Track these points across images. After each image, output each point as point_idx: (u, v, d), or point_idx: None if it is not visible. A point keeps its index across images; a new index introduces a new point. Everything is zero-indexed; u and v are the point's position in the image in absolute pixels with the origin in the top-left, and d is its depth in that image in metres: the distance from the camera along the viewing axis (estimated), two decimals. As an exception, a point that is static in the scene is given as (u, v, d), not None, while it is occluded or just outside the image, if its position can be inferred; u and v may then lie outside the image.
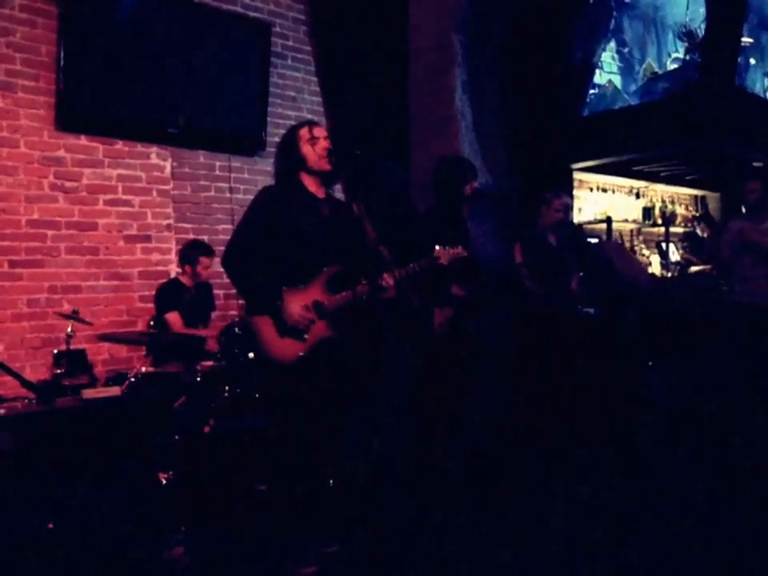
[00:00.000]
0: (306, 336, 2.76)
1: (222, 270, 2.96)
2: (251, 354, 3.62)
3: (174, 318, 4.33)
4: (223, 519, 3.26)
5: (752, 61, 6.50)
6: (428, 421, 3.90)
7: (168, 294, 4.46)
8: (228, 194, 5.39)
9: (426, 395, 3.91)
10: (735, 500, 3.44)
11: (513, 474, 3.88)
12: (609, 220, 6.76)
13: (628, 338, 5.07)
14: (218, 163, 5.38)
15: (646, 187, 7.76)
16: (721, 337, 4.92)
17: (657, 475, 3.86)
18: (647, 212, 7.78)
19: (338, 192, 5.55)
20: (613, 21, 6.52)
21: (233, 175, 5.44)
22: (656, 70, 6.56)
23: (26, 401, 3.60)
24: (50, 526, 3.02)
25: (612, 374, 4.89)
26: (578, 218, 6.85)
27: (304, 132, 2.90)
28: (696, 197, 8.46)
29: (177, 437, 3.46)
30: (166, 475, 3.37)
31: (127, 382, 3.74)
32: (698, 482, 3.67)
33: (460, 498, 3.53)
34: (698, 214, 8.09)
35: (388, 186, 5.07)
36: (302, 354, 2.75)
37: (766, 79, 6.79)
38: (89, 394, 3.78)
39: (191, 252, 4.49)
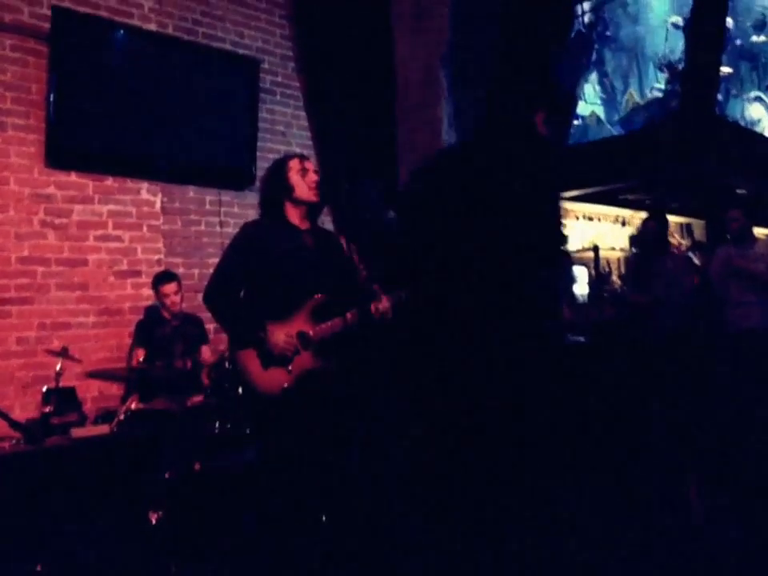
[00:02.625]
0: (290, 367, 2.75)
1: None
2: (241, 389, 3.61)
3: (136, 354, 4.34)
4: (213, 558, 3.22)
5: (731, 90, 6.63)
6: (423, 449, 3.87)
7: (139, 329, 4.49)
8: (218, 228, 5.41)
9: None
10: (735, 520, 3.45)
11: (508, 503, 3.86)
12: (596, 248, 6.82)
13: (619, 366, 5.09)
14: (207, 198, 5.41)
15: (632, 215, 7.85)
16: (714, 363, 4.95)
17: (656, 503, 3.86)
18: (634, 240, 7.85)
19: (327, 225, 5.62)
20: (595, 53, 6.66)
21: (223, 209, 5.46)
22: (638, 100, 6.67)
23: (14, 441, 3.57)
24: (38, 567, 2.98)
25: (604, 401, 4.90)
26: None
27: (294, 163, 2.92)
28: (682, 224, 8.56)
29: (166, 475, 3.43)
30: (155, 514, 3.32)
31: (116, 420, 3.72)
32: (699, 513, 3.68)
33: (455, 525, 3.51)
34: (689, 243, 8.18)
35: (376, 219, 5.10)
36: (286, 385, 2.73)
37: (745, 108, 6.92)
38: (78, 432, 3.76)
39: (153, 285, 4.53)
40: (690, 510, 3.69)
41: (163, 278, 4.51)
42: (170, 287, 4.46)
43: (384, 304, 2.81)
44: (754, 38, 6.80)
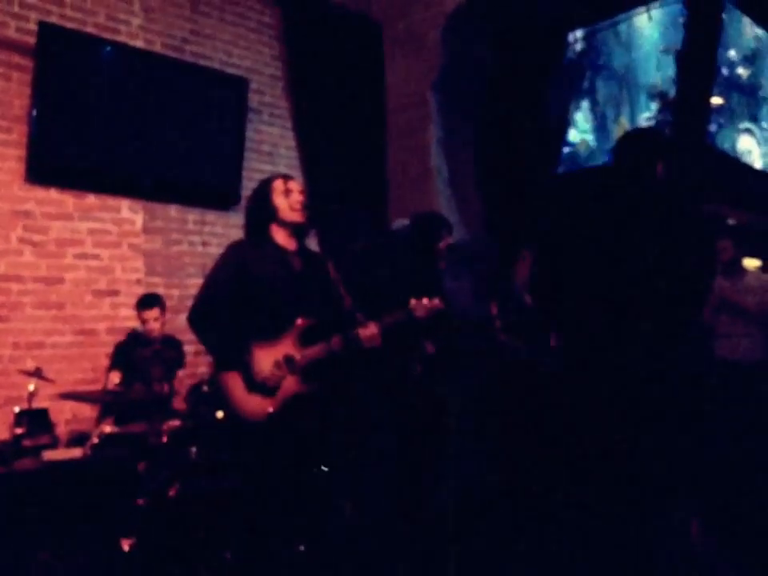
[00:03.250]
0: (276, 392, 2.69)
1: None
2: (219, 413, 3.52)
3: (112, 377, 4.27)
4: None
5: (722, 120, 6.66)
6: (406, 480, 3.80)
7: (118, 351, 4.42)
8: (200, 248, 5.33)
9: (405, 455, 3.82)
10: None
11: (494, 532, 3.78)
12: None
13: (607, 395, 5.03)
14: (190, 217, 5.33)
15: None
16: (704, 395, 4.90)
17: (649, 532, 3.78)
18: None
19: (313, 246, 5.56)
20: (586, 81, 6.68)
21: (206, 229, 5.39)
22: (629, 129, 6.68)
23: (-16, 463, 3.47)
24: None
25: (594, 429, 4.83)
26: (554, 273, 6.87)
27: (278, 183, 2.89)
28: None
29: (140, 501, 3.32)
30: (128, 541, 3.23)
31: (89, 443, 3.62)
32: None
33: (438, 558, 3.42)
34: None
35: (363, 241, 5.05)
36: (271, 410, 2.67)
37: (735, 139, 6.95)
38: (50, 455, 3.69)
39: (135, 307, 4.46)
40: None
41: (145, 302, 4.44)
42: (151, 313, 4.38)
43: (371, 329, 2.75)
44: (744, 70, 6.86)
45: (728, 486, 4.26)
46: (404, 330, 2.98)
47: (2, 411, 4.32)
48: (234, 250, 2.87)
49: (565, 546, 3.42)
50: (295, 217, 2.84)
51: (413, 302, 2.95)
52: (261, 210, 2.88)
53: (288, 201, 2.84)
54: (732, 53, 6.45)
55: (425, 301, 2.94)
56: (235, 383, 2.70)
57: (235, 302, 2.77)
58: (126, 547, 3.21)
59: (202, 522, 3.29)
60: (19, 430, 3.95)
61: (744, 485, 4.25)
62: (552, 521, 3.82)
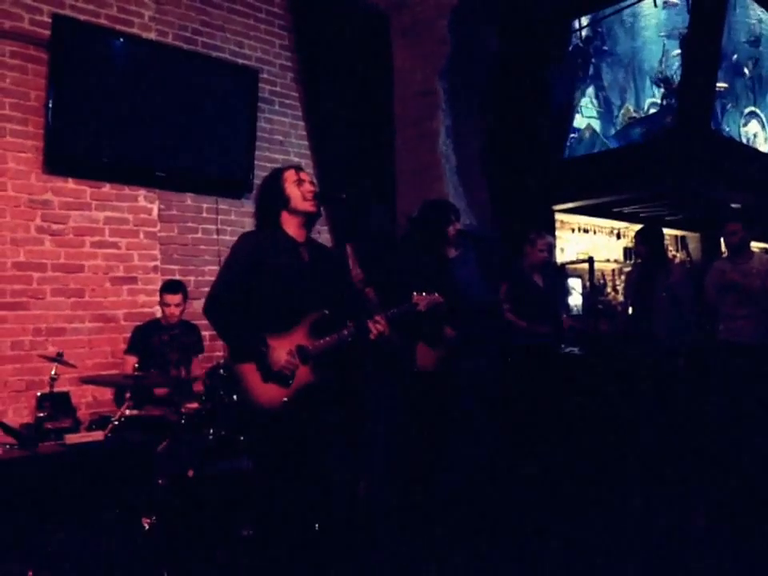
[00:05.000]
0: (290, 381, 2.75)
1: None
2: (236, 396, 3.60)
3: (129, 360, 4.40)
4: (207, 565, 3.21)
5: (727, 105, 6.68)
6: (415, 459, 3.90)
7: (136, 336, 4.54)
8: (215, 236, 5.42)
9: (414, 434, 3.91)
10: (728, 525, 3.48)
11: (500, 510, 3.87)
12: (591, 260, 6.86)
13: (613, 378, 5.12)
14: (204, 205, 5.42)
15: (627, 228, 7.89)
16: (705, 376, 4.97)
17: (646, 511, 3.87)
18: (628, 252, 7.91)
19: (325, 234, 5.65)
20: (591, 67, 6.70)
21: (220, 217, 5.48)
22: (634, 114, 6.70)
23: (8, 446, 3.57)
24: (30, 573, 2.97)
25: (598, 411, 4.93)
26: (560, 257, 6.95)
27: (290, 173, 2.92)
28: (677, 237, 8.60)
29: (160, 481, 3.42)
30: (149, 520, 3.32)
31: (110, 426, 3.71)
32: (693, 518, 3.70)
33: (447, 536, 3.52)
34: (683, 255, 8.24)
35: (373, 228, 5.14)
36: (285, 399, 2.73)
37: (740, 123, 6.97)
38: (72, 438, 3.75)
39: (159, 291, 4.60)
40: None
41: (169, 287, 4.56)
42: (173, 298, 4.50)
43: (381, 323, 2.85)
44: (748, 54, 6.85)
45: (730, 467, 4.35)
46: (408, 320, 3.12)
47: (25, 395, 4.45)
48: (247, 241, 2.89)
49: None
50: (307, 206, 2.86)
51: (415, 295, 3.12)
52: (273, 199, 2.90)
53: (300, 190, 2.87)
54: (736, 37, 6.47)
55: (426, 295, 3.14)
56: (251, 373, 2.74)
57: (250, 293, 2.80)
58: (146, 526, 3.30)
59: (220, 501, 3.39)
60: (42, 414, 4.06)
61: (746, 464, 4.33)
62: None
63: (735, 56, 6.75)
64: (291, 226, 2.90)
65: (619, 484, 4.30)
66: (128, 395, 3.82)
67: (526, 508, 3.90)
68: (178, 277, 5.02)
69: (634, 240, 5.46)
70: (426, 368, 3.92)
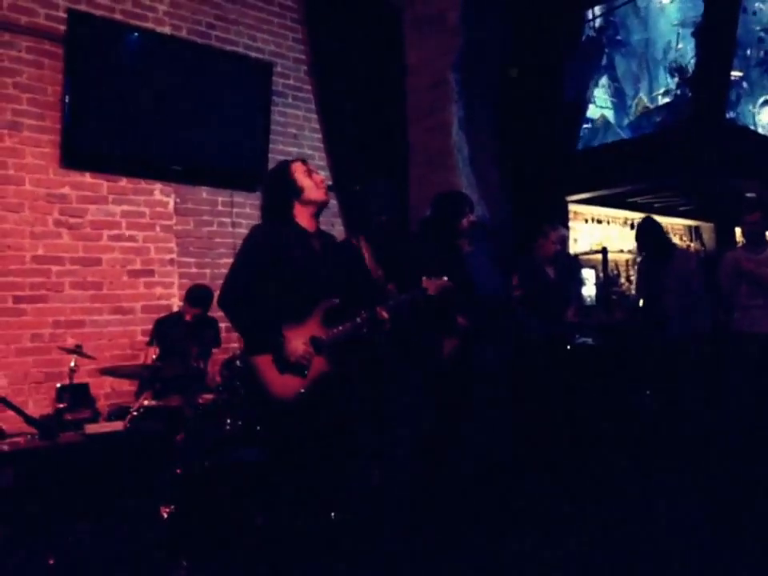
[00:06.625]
0: (306, 372, 2.76)
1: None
2: (252, 388, 3.62)
3: (149, 352, 4.45)
4: (225, 554, 3.25)
5: (742, 94, 6.64)
6: (432, 447, 3.91)
7: (157, 328, 4.61)
8: (230, 229, 5.47)
9: (432, 422, 3.93)
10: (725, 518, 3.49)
11: (514, 497, 3.89)
12: (604, 250, 6.85)
13: (624, 367, 5.13)
14: (220, 198, 5.46)
15: (641, 218, 7.85)
16: (719, 365, 4.97)
17: (654, 498, 3.88)
18: (642, 242, 7.86)
19: (339, 226, 5.67)
20: (605, 57, 6.68)
21: (235, 210, 5.52)
22: (648, 104, 6.69)
23: (29, 436, 3.62)
24: (51, 561, 3.01)
25: (608, 401, 4.94)
26: (573, 248, 6.94)
27: (298, 165, 2.95)
28: (690, 227, 8.57)
29: (178, 471, 3.46)
30: (167, 509, 3.35)
31: (129, 417, 3.76)
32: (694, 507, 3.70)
33: (463, 524, 3.53)
34: (697, 245, 8.18)
35: (387, 220, 5.14)
36: (302, 390, 2.75)
37: (755, 112, 6.93)
38: (92, 429, 3.81)
39: (184, 299, 4.70)
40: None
41: (194, 299, 4.63)
42: (192, 310, 4.61)
43: (382, 315, 2.89)
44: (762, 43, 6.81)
45: (743, 456, 4.35)
46: (418, 306, 3.14)
47: (45, 387, 4.51)
48: (259, 233, 2.90)
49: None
50: (321, 195, 2.90)
51: (425, 280, 3.13)
52: (285, 190, 2.90)
53: (312, 179, 2.90)
54: (751, 25, 6.42)
55: (435, 279, 3.18)
56: (267, 365, 2.74)
57: (263, 285, 2.80)
58: (165, 515, 3.33)
59: (238, 491, 3.43)
60: (61, 405, 4.13)
61: (762, 454, 4.32)
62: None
63: (750, 45, 6.71)
64: (303, 216, 2.91)
65: (631, 473, 4.31)
66: (147, 388, 3.87)
67: (539, 497, 3.91)
68: (194, 269, 5.08)
69: (635, 236, 5.44)
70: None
